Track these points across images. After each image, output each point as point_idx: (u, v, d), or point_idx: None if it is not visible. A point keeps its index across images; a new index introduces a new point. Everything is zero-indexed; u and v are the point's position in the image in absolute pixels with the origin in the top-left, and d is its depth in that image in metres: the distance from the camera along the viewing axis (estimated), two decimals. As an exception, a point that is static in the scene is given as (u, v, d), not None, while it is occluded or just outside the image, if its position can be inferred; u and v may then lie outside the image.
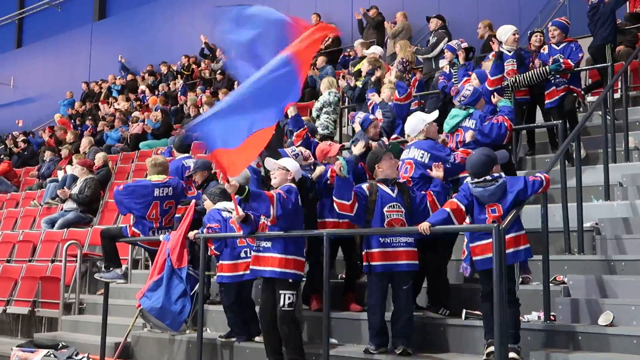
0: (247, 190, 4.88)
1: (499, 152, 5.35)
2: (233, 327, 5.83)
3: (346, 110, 9.97)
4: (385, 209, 4.89)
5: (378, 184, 4.99)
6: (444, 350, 4.96)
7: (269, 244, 5.08)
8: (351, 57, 12.63)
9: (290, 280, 5.00)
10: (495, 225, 4.09)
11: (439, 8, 12.26)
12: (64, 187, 10.82)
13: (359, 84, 8.66)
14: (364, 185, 5.00)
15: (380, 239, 4.83)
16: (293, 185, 5.17)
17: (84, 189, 10.32)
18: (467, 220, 4.65)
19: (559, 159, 5.43)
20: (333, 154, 5.84)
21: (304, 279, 5.55)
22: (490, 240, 4.21)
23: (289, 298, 4.98)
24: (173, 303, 5.95)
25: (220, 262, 5.80)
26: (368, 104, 7.82)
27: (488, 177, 4.54)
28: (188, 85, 16.47)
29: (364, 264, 4.94)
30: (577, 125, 6.13)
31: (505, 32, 7.72)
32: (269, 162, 5.34)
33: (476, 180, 4.58)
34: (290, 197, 5.00)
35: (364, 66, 8.59)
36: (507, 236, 4.29)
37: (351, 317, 5.52)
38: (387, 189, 4.96)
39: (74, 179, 10.94)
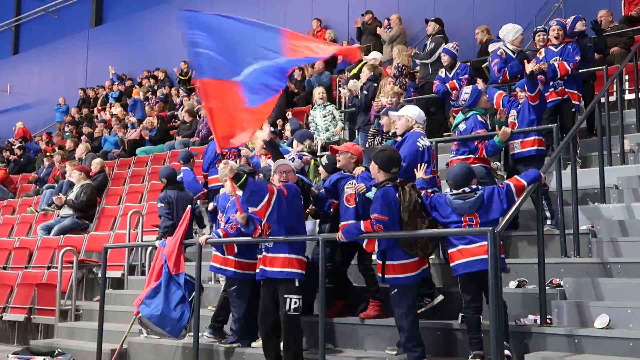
0: (244, 177, 4.87)
1: (476, 167, 5.48)
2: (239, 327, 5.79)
3: (344, 115, 10.00)
4: None
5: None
6: (441, 354, 4.94)
7: (271, 244, 5.10)
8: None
9: (297, 283, 4.98)
10: (490, 229, 4.08)
11: (434, 12, 12.29)
12: (59, 193, 10.83)
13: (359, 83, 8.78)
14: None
15: None
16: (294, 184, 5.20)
17: (80, 194, 10.31)
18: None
19: (554, 162, 5.43)
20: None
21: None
22: (472, 245, 4.41)
23: (295, 302, 4.94)
24: (172, 310, 5.95)
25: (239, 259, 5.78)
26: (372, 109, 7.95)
27: (467, 189, 4.60)
28: (187, 91, 16.48)
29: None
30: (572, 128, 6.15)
31: (515, 32, 7.60)
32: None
33: (455, 192, 4.63)
34: (290, 194, 5.01)
35: (365, 73, 8.58)
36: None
37: (350, 322, 5.51)
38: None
39: (71, 185, 10.93)
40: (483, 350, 4.51)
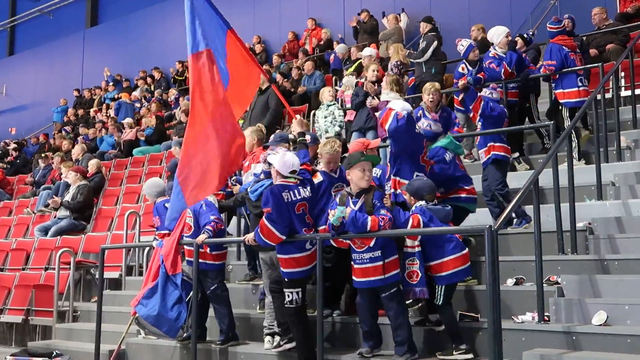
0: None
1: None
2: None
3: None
4: None
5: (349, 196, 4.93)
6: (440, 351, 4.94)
7: None
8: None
9: (286, 279, 5.08)
10: (488, 226, 4.08)
11: (430, 11, 12.30)
12: (54, 196, 10.81)
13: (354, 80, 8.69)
14: (337, 198, 4.89)
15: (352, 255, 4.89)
16: (278, 182, 5.10)
17: (76, 195, 10.29)
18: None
19: (551, 159, 5.43)
20: (374, 145, 5.77)
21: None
22: (457, 254, 4.74)
23: (289, 296, 5.07)
24: (169, 310, 5.94)
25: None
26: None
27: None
28: (181, 91, 16.47)
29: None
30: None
31: (499, 34, 7.80)
32: None
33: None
34: (274, 206, 4.97)
35: (371, 73, 8.42)
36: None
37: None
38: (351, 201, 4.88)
39: (67, 186, 10.92)
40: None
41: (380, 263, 4.73)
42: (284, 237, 4.99)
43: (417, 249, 4.79)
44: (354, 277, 4.90)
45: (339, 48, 12.03)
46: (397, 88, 7.77)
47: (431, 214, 4.86)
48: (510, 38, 7.83)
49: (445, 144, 5.73)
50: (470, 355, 4.65)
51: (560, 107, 7.42)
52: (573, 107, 7.26)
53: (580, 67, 7.60)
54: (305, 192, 5.15)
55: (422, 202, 4.95)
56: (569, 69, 7.40)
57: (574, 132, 7.03)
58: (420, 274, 4.73)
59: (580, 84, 7.35)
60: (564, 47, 7.45)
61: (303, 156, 5.42)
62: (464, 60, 8.09)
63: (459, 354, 4.65)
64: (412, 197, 5.04)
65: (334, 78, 12.06)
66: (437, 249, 4.80)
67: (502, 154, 6.23)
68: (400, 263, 4.82)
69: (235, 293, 6.59)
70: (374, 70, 8.33)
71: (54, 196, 10.90)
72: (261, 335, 5.74)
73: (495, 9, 12.81)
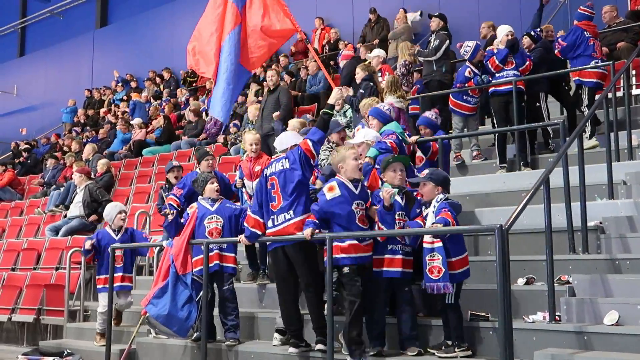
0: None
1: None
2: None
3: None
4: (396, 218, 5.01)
5: None
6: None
7: None
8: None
9: None
10: (499, 225, 4.07)
11: (439, 8, 12.25)
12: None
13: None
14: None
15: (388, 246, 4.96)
16: None
17: (89, 195, 10.29)
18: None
19: (561, 158, 5.40)
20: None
21: None
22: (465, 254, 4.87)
23: None
24: (179, 309, 5.96)
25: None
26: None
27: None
28: (191, 91, 16.51)
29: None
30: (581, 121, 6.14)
31: (500, 33, 8.04)
32: None
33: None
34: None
35: (359, 74, 8.34)
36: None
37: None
38: (398, 198, 5.03)
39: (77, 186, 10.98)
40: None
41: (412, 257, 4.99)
42: (256, 216, 5.30)
43: (436, 244, 4.76)
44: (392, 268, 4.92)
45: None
46: (394, 88, 7.68)
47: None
48: (510, 37, 7.84)
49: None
50: (470, 352, 4.75)
51: (579, 90, 7.70)
52: (592, 87, 7.58)
53: (599, 64, 7.67)
54: (278, 166, 5.21)
55: (441, 195, 4.98)
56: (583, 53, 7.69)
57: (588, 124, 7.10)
58: (443, 269, 4.71)
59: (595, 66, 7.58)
60: (586, 32, 7.67)
61: (312, 133, 5.19)
62: (468, 64, 8.02)
63: (461, 350, 4.71)
64: (438, 187, 5.02)
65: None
66: (455, 245, 4.83)
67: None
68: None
69: (243, 292, 6.61)
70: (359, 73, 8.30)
71: (66, 197, 10.94)
72: (268, 334, 5.79)
73: (505, 7, 12.75)
